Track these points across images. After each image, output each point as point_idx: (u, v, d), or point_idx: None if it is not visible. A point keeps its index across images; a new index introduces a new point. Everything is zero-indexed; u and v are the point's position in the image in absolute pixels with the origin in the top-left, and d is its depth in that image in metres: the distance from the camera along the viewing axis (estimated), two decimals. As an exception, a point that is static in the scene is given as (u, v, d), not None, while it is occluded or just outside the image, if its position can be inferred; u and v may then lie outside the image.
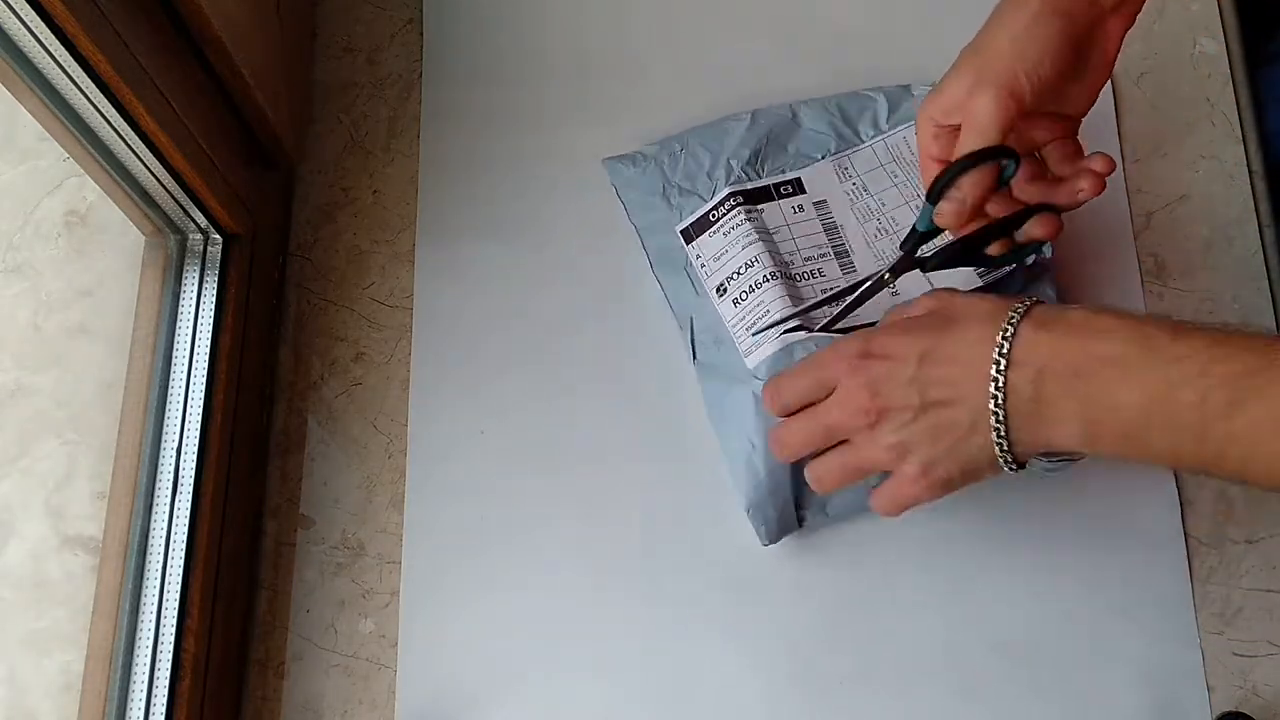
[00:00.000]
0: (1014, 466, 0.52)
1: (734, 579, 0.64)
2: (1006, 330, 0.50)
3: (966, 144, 0.55)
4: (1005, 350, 0.50)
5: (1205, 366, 0.46)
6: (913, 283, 0.64)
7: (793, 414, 0.57)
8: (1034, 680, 0.62)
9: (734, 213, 0.67)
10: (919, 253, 0.60)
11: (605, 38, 0.77)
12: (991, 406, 0.50)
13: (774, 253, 0.66)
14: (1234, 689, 0.62)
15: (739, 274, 0.65)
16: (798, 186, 0.69)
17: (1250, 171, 0.72)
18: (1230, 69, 0.74)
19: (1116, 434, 0.49)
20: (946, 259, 0.60)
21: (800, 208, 0.68)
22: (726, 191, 0.68)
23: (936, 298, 0.56)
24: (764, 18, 0.77)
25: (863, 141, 0.70)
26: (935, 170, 0.58)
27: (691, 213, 0.68)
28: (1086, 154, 0.59)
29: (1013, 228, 0.59)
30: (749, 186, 0.68)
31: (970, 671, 0.62)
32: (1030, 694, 0.62)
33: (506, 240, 0.72)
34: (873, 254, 0.68)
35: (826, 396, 0.55)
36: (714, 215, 0.68)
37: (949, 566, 0.64)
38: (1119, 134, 0.73)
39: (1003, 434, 0.51)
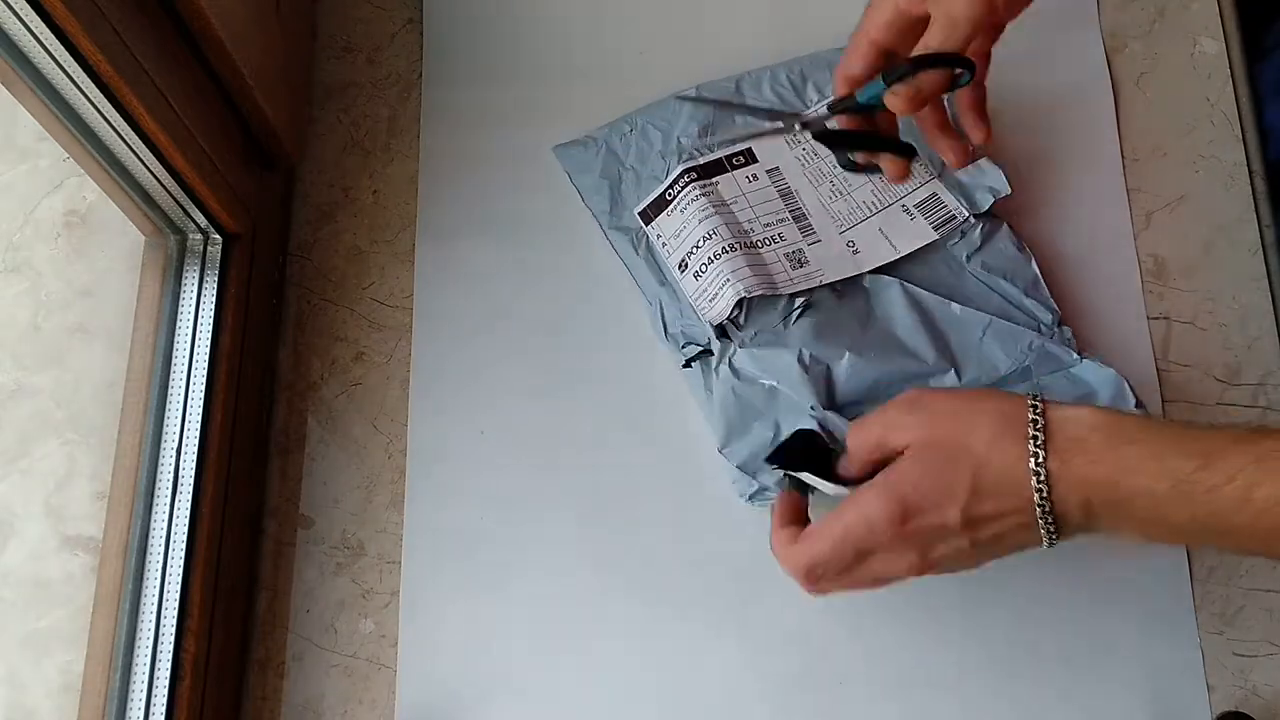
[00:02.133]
0: None
1: (734, 578, 0.64)
2: (1039, 472, 0.49)
3: (935, 36, 0.55)
4: (1045, 494, 0.49)
5: (1246, 492, 0.46)
6: (867, 241, 0.67)
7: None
8: (1034, 680, 0.62)
9: (689, 189, 0.68)
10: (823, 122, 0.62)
11: (605, 38, 0.77)
12: (1045, 536, 0.50)
13: (731, 224, 0.67)
14: (1234, 689, 0.62)
15: (697, 248, 0.66)
16: (749, 156, 0.70)
17: (1250, 171, 0.72)
18: (1230, 68, 0.74)
19: (1175, 538, 0.50)
20: (832, 138, 0.63)
21: (754, 176, 0.70)
22: (680, 169, 0.69)
23: (926, 419, 0.52)
24: (764, 18, 0.77)
25: (807, 107, 0.72)
26: (866, 50, 0.58)
27: (648, 194, 0.69)
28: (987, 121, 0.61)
29: (894, 147, 0.61)
30: (701, 161, 0.70)
31: (970, 671, 0.62)
32: (1030, 694, 0.62)
33: (506, 240, 0.72)
34: (829, 215, 0.69)
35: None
36: (669, 194, 0.69)
37: (949, 566, 0.64)
38: (1119, 134, 0.73)
39: (1053, 538, 0.51)
